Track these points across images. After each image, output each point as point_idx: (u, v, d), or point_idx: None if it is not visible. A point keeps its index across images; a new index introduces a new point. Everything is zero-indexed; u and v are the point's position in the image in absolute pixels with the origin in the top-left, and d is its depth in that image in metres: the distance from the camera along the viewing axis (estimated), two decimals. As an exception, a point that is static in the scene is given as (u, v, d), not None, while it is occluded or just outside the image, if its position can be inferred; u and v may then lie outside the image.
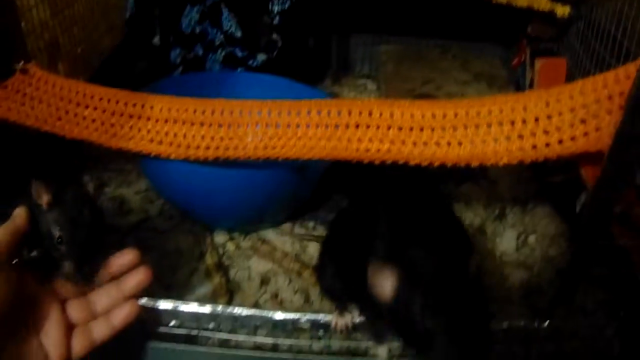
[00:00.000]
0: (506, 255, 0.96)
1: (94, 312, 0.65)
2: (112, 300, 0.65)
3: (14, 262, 0.58)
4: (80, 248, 0.62)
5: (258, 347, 0.75)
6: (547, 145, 0.68)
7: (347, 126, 0.74)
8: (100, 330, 0.64)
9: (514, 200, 1.05)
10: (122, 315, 0.65)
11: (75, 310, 0.64)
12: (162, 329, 0.74)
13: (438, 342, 0.54)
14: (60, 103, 0.81)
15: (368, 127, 0.74)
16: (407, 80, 1.30)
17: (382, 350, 0.72)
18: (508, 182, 1.10)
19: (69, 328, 0.62)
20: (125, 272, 0.66)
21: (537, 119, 0.70)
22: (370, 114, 0.74)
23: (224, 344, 0.75)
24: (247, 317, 0.71)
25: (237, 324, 0.72)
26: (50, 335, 0.60)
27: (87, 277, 0.63)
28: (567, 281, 0.68)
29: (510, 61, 1.30)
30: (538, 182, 1.07)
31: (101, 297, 0.65)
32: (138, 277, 0.66)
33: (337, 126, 0.75)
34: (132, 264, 0.66)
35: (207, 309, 0.71)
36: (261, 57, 1.20)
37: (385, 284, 0.58)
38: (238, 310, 0.71)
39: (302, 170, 0.82)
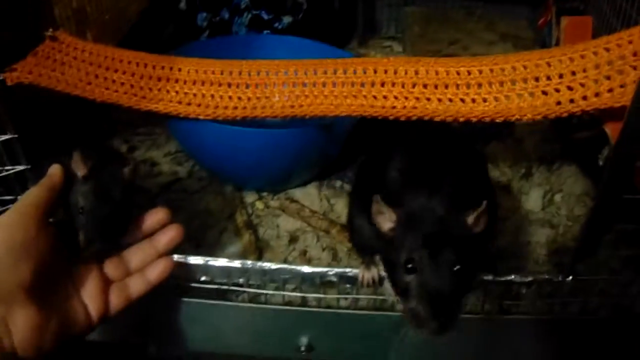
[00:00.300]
0: (532, 214, 0.97)
1: (129, 269, 0.67)
2: (146, 257, 0.67)
3: (51, 219, 0.60)
4: (99, 223, 0.62)
5: (287, 302, 0.77)
6: (571, 101, 0.68)
7: (373, 84, 0.75)
8: (136, 286, 0.66)
9: (540, 160, 1.06)
10: (157, 271, 0.67)
11: (111, 268, 0.66)
12: (194, 285, 0.76)
13: (411, 291, 0.55)
14: (89, 68, 0.82)
15: (393, 84, 0.74)
16: (433, 42, 1.30)
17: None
18: (534, 142, 1.10)
19: (106, 284, 0.65)
20: (158, 230, 0.68)
21: (561, 76, 0.70)
22: (395, 72, 0.75)
23: (253, 299, 0.77)
24: (276, 271, 0.72)
25: (267, 278, 0.74)
26: (89, 291, 0.62)
27: (97, 254, 0.64)
28: (590, 235, 0.68)
29: (536, 22, 1.28)
30: (563, 141, 1.06)
31: (136, 255, 0.67)
32: (170, 234, 0.68)
33: (362, 84, 0.76)
34: (163, 222, 0.68)
35: (236, 263, 0.72)
36: (287, 19, 1.20)
37: (384, 223, 0.59)
38: (267, 265, 0.72)
39: (329, 129, 0.83)
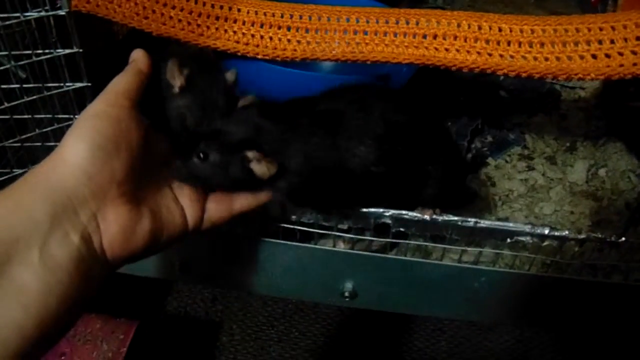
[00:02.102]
0: (576, 186, 0.97)
1: None
2: None
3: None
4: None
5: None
6: (635, 64, 0.68)
7: (435, 36, 0.75)
8: (241, 199, 0.63)
9: (585, 135, 1.05)
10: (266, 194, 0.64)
11: None
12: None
13: None
14: (147, 3, 0.82)
15: (456, 38, 0.74)
16: (482, 14, 1.29)
17: None
18: (578, 118, 1.10)
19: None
20: None
21: (626, 39, 0.69)
22: (458, 25, 0.74)
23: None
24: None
25: (320, 216, 0.74)
26: (186, 192, 0.59)
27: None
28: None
29: (586, 3, 1.27)
30: (614, 110, 1.06)
31: None
32: None
33: (424, 36, 0.75)
34: None
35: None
36: (344, -24, 1.20)
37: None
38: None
39: (385, 80, 0.83)
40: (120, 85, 0.54)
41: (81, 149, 0.49)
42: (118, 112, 0.52)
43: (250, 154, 0.59)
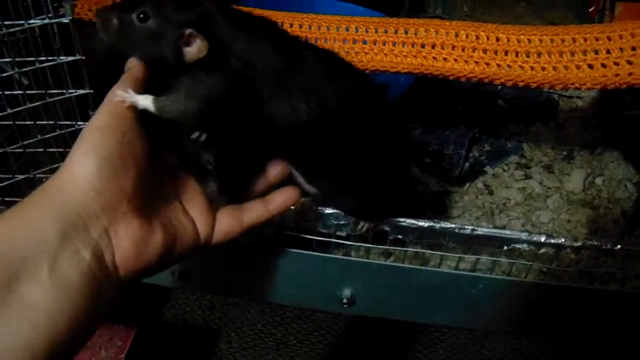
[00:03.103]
0: (573, 194, 0.97)
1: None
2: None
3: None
4: (229, 169, 0.60)
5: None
6: (630, 74, 0.69)
7: (433, 46, 0.76)
8: (253, 211, 0.62)
9: (582, 144, 1.06)
10: (281, 198, 0.63)
11: None
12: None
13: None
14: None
15: (453, 47, 0.75)
16: (480, 24, 1.31)
17: None
18: (575, 127, 1.10)
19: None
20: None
21: (621, 49, 0.70)
22: (456, 35, 0.75)
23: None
24: (330, 215, 0.74)
25: (320, 222, 0.75)
26: (196, 205, 0.59)
27: (233, 200, 0.61)
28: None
29: (584, 13, 1.28)
30: (611, 120, 1.07)
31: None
32: (288, 194, 0.64)
33: (423, 45, 0.76)
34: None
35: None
36: (340, -15, 1.21)
37: None
38: (321, 209, 0.73)
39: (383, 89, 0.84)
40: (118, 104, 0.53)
41: (88, 165, 0.48)
42: (121, 124, 0.51)
43: (190, 32, 0.54)
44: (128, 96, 0.53)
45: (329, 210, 0.73)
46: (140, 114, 0.54)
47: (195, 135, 0.59)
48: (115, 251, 0.49)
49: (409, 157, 0.74)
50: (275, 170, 0.65)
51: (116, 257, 0.49)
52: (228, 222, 0.60)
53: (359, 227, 0.72)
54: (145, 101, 0.54)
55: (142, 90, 0.55)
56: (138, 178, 0.51)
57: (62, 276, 0.44)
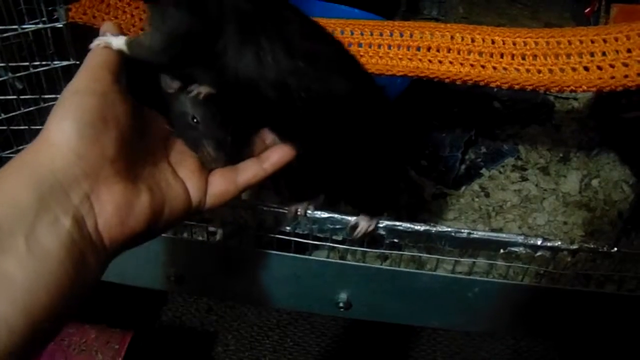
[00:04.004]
0: (569, 196, 0.97)
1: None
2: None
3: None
4: (220, 124, 0.57)
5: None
6: (626, 76, 0.69)
7: (429, 49, 0.76)
8: (247, 171, 0.58)
9: (578, 146, 1.06)
10: (276, 156, 0.59)
11: None
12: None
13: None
14: (142, 14, 0.83)
15: (449, 50, 0.75)
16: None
17: None
18: (571, 129, 1.11)
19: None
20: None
21: (617, 52, 0.70)
22: (452, 37, 0.75)
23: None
24: (326, 220, 0.73)
25: (315, 227, 0.74)
26: (187, 166, 0.56)
27: (229, 157, 0.58)
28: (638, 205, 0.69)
29: (580, 14, 1.28)
30: (607, 122, 1.07)
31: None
32: (281, 152, 0.59)
33: (418, 48, 0.76)
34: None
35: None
36: (337, -12, 1.21)
37: None
38: (317, 214, 0.73)
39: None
40: (98, 59, 0.51)
41: (67, 128, 0.46)
42: (101, 87, 0.48)
43: None
44: (104, 38, 0.51)
45: (325, 215, 0.72)
46: (126, 75, 0.52)
47: (191, 89, 0.56)
48: (98, 217, 0.46)
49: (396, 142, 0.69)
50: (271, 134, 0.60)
51: (99, 223, 0.46)
52: (221, 183, 0.57)
53: (355, 233, 0.72)
54: (119, 41, 0.52)
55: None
56: (121, 140, 0.48)
57: (39, 246, 0.41)
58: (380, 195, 0.71)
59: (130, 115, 0.49)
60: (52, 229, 0.42)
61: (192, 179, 0.55)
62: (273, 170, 0.59)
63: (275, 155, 0.59)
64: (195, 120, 0.56)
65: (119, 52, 0.51)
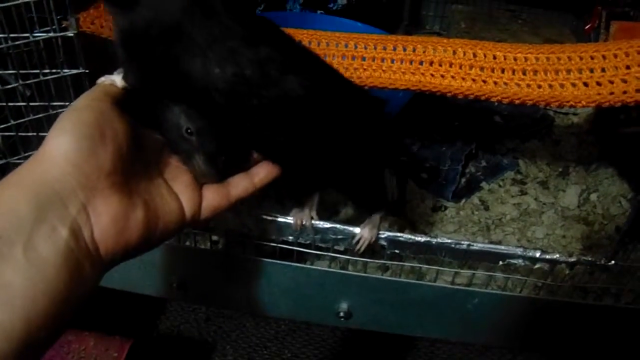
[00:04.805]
0: (568, 210, 0.98)
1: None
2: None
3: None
4: (214, 139, 0.57)
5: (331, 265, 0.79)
6: (625, 93, 0.70)
7: (431, 63, 0.77)
8: (239, 185, 0.60)
9: (577, 160, 1.07)
10: (263, 171, 0.61)
11: None
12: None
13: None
14: (149, 26, 0.84)
15: (451, 65, 0.76)
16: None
17: None
18: (571, 144, 1.12)
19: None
20: None
21: (616, 68, 0.71)
22: (454, 52, 0.77)
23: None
24: (328, 230, 0.74)
25: (318, 237, 0.75)
26: (181, 180, 0.57)
27: (221, 172, 0.58)
28: (636, 219, 0.70)
29: (580, 31, 1.30)
30: (606, 137, 1.08)
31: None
32: (268, 168, 0.62)
33: (421, 62, 0.77)
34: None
35: (289, 219, 0.74)
36: (341, 1, 1.22)
37: None
38: (320, 224, 0.74)
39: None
40: (100, 87, 0.53)
41: (65, 141, 0.47)
42: (100, 105, 0.50)
43: None
44: (109, 77, 0.54)
45: (327, 225, 0.73)
46: (122, 96, 0.53)
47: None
48: (94, 228, 0.47)
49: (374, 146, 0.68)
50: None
51: (95, 234, 0.47)
52: (215, 197, 0.59)
53: (358, 245, 0.73)
54: (119, 77, 0.54)
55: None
56: (118, 154, 0.49)
57: (37, 255, 0.42)
58: (371, 190, 0.72)
59: (127, 132, 0.51)
60: (49, 238, 0.43)
61: (186, 194, 0.56)
62: (262, 186, 0.61)
63: (262, 171, 0.61)
64: (188, 132, 0.56)
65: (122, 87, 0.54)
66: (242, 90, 0.53)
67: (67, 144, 0.47)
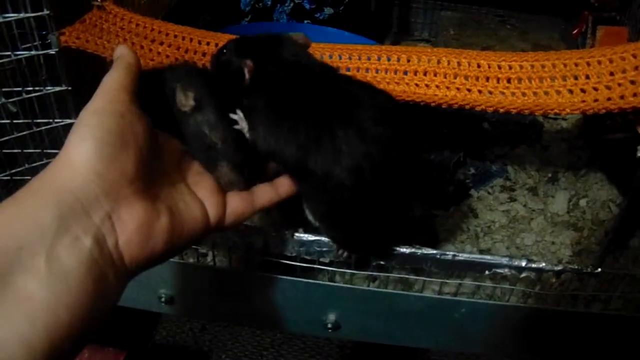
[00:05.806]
0: (557, 217, 0.98)
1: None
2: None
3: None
4: (239, 149, 0.58)
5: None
6: (609, 99, 0.70)
7: (416, 73, 0.77)
8: (263, 194, 0.61)
9: (567, 166, 1.07)
10: (287, 182, 0.62)
11: None
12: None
13: None
14: (135, 38, 0.84)
15: (436, 74, 0.76)
16: (466, 47, 1.32)
17: None
18: (560, 149, 1.12)
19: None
20: None
21: (599, 75, 0.72)
22: (438, 62, 0.77)
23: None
24: (313, 242, 0.74)
25: (303, 249, 0.75)
26: (205, 186, 0.57)
27: (247, 179, 0.59)
28: (623, 227, 0.70)
29: (569, 35, 1.30)
30: (594, 143, 1.08)
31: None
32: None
33: (405, 72, 0.77)
34: None
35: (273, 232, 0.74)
36: (328, 10, 1.23)
37: None
38: (304, 236, 0.74)
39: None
40: (115, 81, 0.52)
41: (87, 147, 0.46)
42: (119, 107, 0.49)
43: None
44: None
45: (312, 238, 0.73)
46: (139, 98, 0.53)
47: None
48: (119, 237, 0.46)
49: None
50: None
51: (120, 243, 0.46)
52: (239, 204, 0.59)
53: (340, 252, 0.73)
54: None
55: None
56: (140, 159, 0.49)
57: (60, 265, 0.41)
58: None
59: (147, 135, 0.51)
60: (72, 248, 0.42)
61: (210, 199, 0.56)
62: (286, 197, 0.62)
63: (287, 181, 0.62)
64: (213, 141, 0.57)
65: (133, 72, 0.53)
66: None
67: (89, 152, 0.46)
